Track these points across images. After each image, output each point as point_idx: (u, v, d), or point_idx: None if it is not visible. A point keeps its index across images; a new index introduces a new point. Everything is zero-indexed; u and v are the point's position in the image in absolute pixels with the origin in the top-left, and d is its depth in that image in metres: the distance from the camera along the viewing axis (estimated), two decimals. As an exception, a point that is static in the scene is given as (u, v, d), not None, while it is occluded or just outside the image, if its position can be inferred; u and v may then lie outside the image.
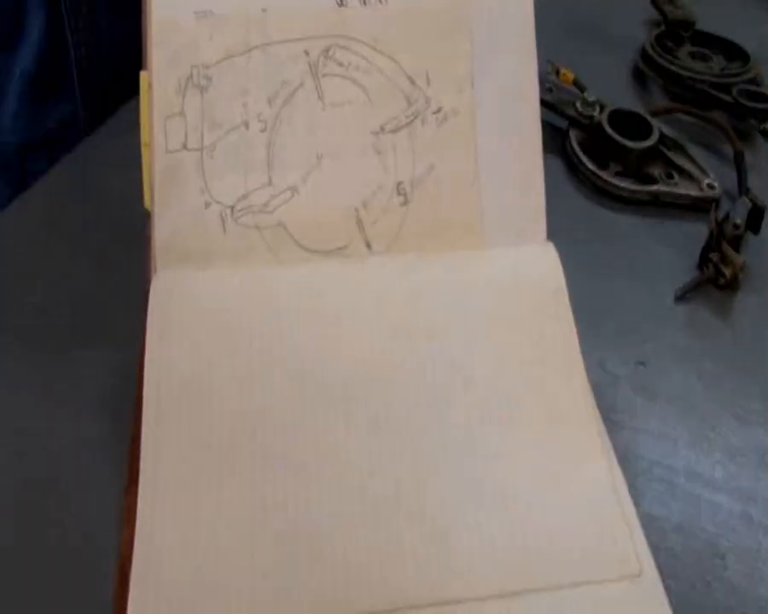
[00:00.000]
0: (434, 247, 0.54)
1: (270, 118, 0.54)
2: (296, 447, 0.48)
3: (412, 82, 0.54)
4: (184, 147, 0.53)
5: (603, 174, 0.70)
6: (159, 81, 0.53)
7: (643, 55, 0.84)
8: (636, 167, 0.71)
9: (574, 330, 0.51)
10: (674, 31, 0.88)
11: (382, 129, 0.54)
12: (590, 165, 0.70)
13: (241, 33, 0.54)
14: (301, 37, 0.55)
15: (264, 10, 0.54)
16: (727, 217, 0.61)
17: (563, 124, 0.75)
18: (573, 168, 0.72)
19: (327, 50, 0.54)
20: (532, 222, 0.55)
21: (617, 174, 0.71)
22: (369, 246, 0.54)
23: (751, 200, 0.63)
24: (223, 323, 0.51)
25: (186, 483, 0.46)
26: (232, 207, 0.54)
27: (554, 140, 0.74)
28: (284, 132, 0.54)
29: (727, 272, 0.61)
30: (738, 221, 0.61)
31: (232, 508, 0.45)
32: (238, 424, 0.48)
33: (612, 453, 0.48)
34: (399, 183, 0.54)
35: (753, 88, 0.78)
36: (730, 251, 0.61)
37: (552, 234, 0.56)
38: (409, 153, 0.54)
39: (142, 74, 0.54)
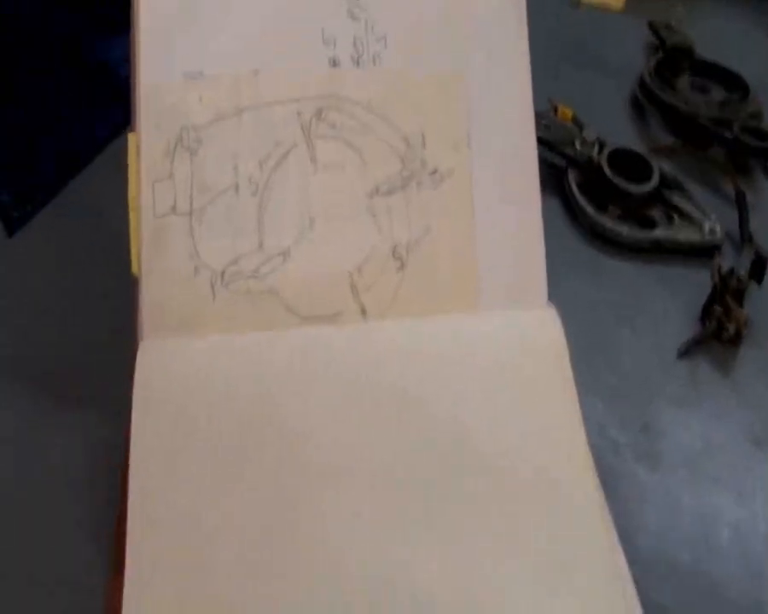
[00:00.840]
0: (431, 311, 0.53)
1: (261, 182, 0.52)
2: (281, 524, 0.47)
3: (407, 143, 0.53)
4: (173, 211, 0.52)
5: (603, 219, 0.68)
6: (147, 144, 0.52)
7: (642, 86, 0.83)
8: (636, 210, 0.70)
9: (577, 403, 0.50)
10: (672, 58, 0.86)
11: (377, 191, 0.53)
12: (590, 210, 0.69)
13: (231, 94, 0.53)
14: (293, 98, 0.53)
15: (255, 71, 0.52)
16: (731, 271, 0.60)
17: (562, 161, 0.72)
18: (571, 210, 0.71)
19: (320, 112, 0.52)
20: (531, 285, 0.54)
21: (617, 217, 0.69)
22: (364, 312, 0.53)
23: (755, 250, 0.61)
24: (210, 396, 0.50)
25: (173, 564, 0.45)
26: (222, 273, 0.52)
27: (551, 179, 0.73)
28: (276, 195, 0.53)
29: (730, 327, 0.60)
30: (742, 274, 0.60)
31: (218, 588, 0.44)
32: (224, 502, 0.47)
33: (615, 535, 0.46)
34: (395, 247, 0.53)
35: (754, 124, 0.76)
36: (733, 306, 0.60)
37: (550, 281, 0.55)
38: (404, 215, 0.53)
39: (130, 136, 0.52)
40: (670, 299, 0.64)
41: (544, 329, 0.52)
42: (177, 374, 0.50)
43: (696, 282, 0.65)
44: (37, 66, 0.68)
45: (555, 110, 0.74)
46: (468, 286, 0.53)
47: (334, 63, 0.53)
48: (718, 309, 0.60)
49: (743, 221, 0.67)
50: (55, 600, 0.47)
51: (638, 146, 0.77)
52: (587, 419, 0.52)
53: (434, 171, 0.53)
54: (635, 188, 0.69)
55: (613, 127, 0.78)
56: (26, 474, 0.52)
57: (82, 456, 0.53)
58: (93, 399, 0.55)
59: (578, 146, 0.72)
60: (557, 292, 0.55)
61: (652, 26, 0.92)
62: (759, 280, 0.63)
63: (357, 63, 0.53)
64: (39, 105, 0.70)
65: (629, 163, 0.71)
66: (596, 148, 0.72)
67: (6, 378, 0.57)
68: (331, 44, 0.53)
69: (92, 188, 0.68)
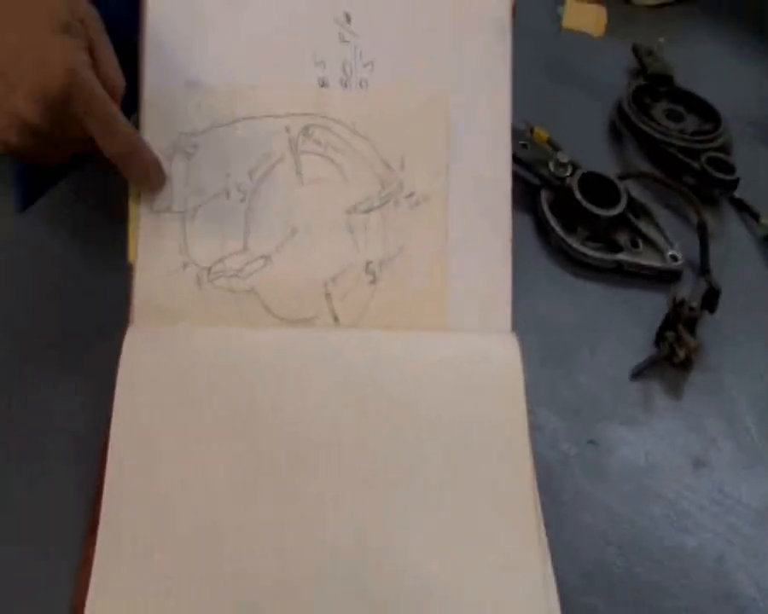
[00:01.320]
0: (400, 324, 0.57)
1: (249, 189, 0.56)
2: (249, 514, 0.51)
3: (387, 165, 0.56)
4: (168, 208, 0.56)
5: (571, 240, 0.72)
6: (149, 143, 0.56)
7: (620, 111, 0.87)
8: (603, 233, 0.73)
9: (526, 429, 0.54)
10: (652, 85, 0.89)
11: (355, 208, 0.57)
12: (559, 230, 0.72)
13: (228, 104, 0.57)
14: (284, 113, 0.57)
15: (251, 85, 0.55)
16: (683, 302, 0.64)
17: (536, 180, 0.76)
18: (542, 228, 0.74)
19: (307, 128, 0.56)
20: (497, 308, 0.58)
21: (585, 239, 0.73)
22: (336, 319, 0.56)
23: (707, 282, 0.66)
24: (190, 380, 0.54)
25: (143, 539, 0.49)
26: (208, 269, 0.56)
27: (525, 197, 0.76)
28: (262, 204, 0.56)
29: (681, 353, 0.64)
30: (694, 304, 0.64)
31: (184, 573, 0.48)
32: (195, 488, 0.51)
33: (548, 554, 0.50)
34: (369, 263, 0.56)
35: (721, 156, 0.80)
36: (685, 334, 0.64)
37: (516, 295, 0.58)
38: (380, 233, 0.57)
39: None
40: (629, 321, 0.68)
41: (504, 356, 0.56)
42: (161, 358, 0.54)
43: (655, 306, 0.69)
44: None
45: (532, 131, 0.77)
46: (436, 305, 0.57)
47: (323, 83, 0.56)
48: (671, 335, 0.64)
49: (703, 252, 0.71)
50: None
51: (612, 170, 0.80)
52: (540, 430, 0.58)
53: (411, 194, 0.57)
54: (602, 212, 0.72)
55: (590, 149, 0.82)
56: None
57: (70, 426, 0.57)
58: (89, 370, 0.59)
59: (551, 167, 0.76)
60: (522, 306, 0.59)
61: (635, 51, 0.95)
62: (712, 310, 0.67)
63: (345, 85, 0.57)
64: None
65: (599, 187, 0.75)
66: (569, 170, 0.75)
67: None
68: (321, 66, 0.57)
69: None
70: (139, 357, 0.53)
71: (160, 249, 0.56)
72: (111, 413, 0.51)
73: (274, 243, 0.56)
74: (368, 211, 0.56)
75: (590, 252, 0.72)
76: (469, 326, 0.58)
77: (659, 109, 0.88)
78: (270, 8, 0.56)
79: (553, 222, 0.73)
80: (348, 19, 0.56)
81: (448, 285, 0.57)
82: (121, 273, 0.57)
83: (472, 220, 0.57)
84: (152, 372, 0.54)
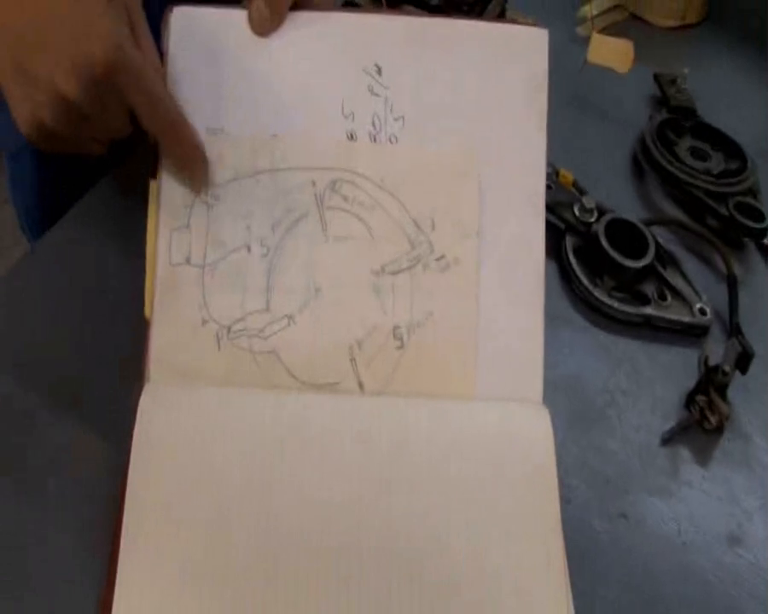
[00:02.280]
0: (427, 392, 0.54)
1: (272, 244, 0.54)
2: (269, 591, 0.48)
3: (417, 225, 0.53)
4: (187, 261, 0.53)
5: (597, 291, 0.69)
6: (167, 192, 0.53)
7: (643, 148, 0.84)
8: (630, 284, 0.70)
9: (557, 506, 0.51)
10: (675, 119, 0.86)
11: (383, 269, 0.54)
12: (584, 280, 0.70)
13: (250, 156, 0.54)
14: (309, 166, 0.54)
15: (274, 135, 0.53)
16: (717, 367, 0.61)
17: (560, 223, 0.73)
18: (566, 274, 0.72)
19: (333, 183, 0.53)
20: (528, 378, 0.55)
21: (611, 289, 0.70)
22: (361, 385, 0.54)
23: (740, 344, 0.63)
24: (207, 445, 0.51)
25: (159, 603, 0.47)
26: (228, 328, 0.54)
27: (549, 240, 0.72)
28: (285, 260, 0.54)
29: (713, 419, 0.61)
30: (727, 369, 0.61)
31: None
32: (212, 561, 0.48)
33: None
34: (396, 327, 0.53)
35: (749, 201, 0.77)
36: (717, 399, 0.61)
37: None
38: (408, 296, 0.54)
39: (152, 183, 0.53)
40: (658, 381, 0.66)
41: (535, 431, 0.53)
42: (177, 420, 0.52)
43: (684, 362, 0.67)
44: None
45: (557, 173, 0.74)
46: (465, 374, 0.54)
47: (352, 136, 0.53)
48: (702, 399, 0.62)
49: (733, 308, 0.68)
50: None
51: (636, 210, 0.78)
52: (570, 502, 0.55)
53: (441, 257, 0.54)
54: (630, 263, 0.70)
55: (613, 188, 0.80)
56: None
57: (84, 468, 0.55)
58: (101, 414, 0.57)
59: (576, 211, 0.73)
60: (547, 362, 0.56)
61: (657, 80, 0.92)
62: (744, 371, 0.64)
63: (374, 139, 0.54)
64: None
65: (626, 233, 0.72)
66: (595, 215, 0.72)
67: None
68: (350, 118, 0.54)
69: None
70: (156, 418, 0.51)
71: (177, 304, 0.53)
72: (126, 468, 0.50)
73: (297, 303, 0.54)
74: (396, 272, 0.53)
75: (618, 306, 0.69)
76: (499, 395, 0.55)
77: (683, 147, 0.84)
78: (299, 56, 0.53)
79: (578, 270, 0.70)
80: (379, 71, 0.53)
81: (478, 352, 0.53)
82: (138, 320, 0.54)
83: (504, 285, 0.55)
84: (169, 433, 0.51)
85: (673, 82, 0.92)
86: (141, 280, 0.54)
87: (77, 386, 0.57)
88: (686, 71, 0.89)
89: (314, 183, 0.54)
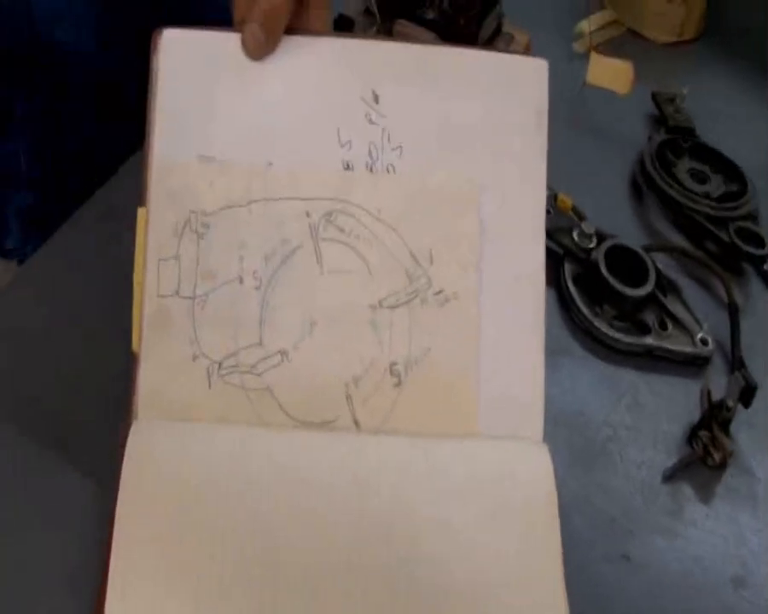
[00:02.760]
0: (426, 432, 0.53)
1: (265, 277, 0.52)
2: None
3: (414, 259, 0.52)
4: (176, 293, 0.51)
5: (597, 321, 0.68)
6: (156, 220, 0.51)
7: (642, 170, 0.82)
8: (631, 313, 0.68)
9: (559, 548, 0.50)
10: (674, 140, 0.84)
11: (380, 303, 0.52)
12: (584, 309, 0.68)
13: (243, 184, 0.52)
14: (304, 196, 0.52)
15: (269, 163, 0.51)
16: (720, 403, 0.59)
17: (559, 249, 0.71)
18: (565, 304, 0.70)
19: (329, 214, 0.51)
20: (529, 415, 0.53)
21: (611, 318, 0.69)
22: (357, 423, 0.52)
23: (743, 378, 0.61)
24: (197, 485, 0.50)
25: None
26: (220, 363, 0.52)
27: (547, 267, 0.70)
28: (279, 293, 0.52)
29: (716, 455, 0.60)
30: (730, 404, 0.60)
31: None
32: (203, 602, 0.47)
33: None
34: (393, 364, 0.52)
35: (749, 226, 0.75)
36: (720, 435, 0.60)
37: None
38: (406, 332, 0.52)
39: (140, 210, 0.51)
40: (660, 413, 0.64)
41: (536, 471, 0.52)
42: (166, 460, 0.50)
43: (686, 393, 0.66)
44: None
45: (555, 197, 0.72)
46: (465, 411, 0.53)
47: (348, 166, 0.52)
48: (705, 435, 0.60)
49: (735, 342, 0.67)
50: None
51: (635, 234, 0.77)
52: (572, 542, 0.52)
53: (440, 291, 0.52)
54: (631, 292, 0.68)
55: (612, 212, 0.79)
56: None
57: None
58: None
59: (576, 237, 0.71)
60: (548, 393, 0.55)
61: (655, 99, 0.90)
62: (747, 405, 0.62)
63: (371, 169, 0.52)
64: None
65: (626, 260, 0.70)
66: (594, 241, 0.71)
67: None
68: (346, 146, 0.52)
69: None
70: (144, 458, 0.49)
71: (166, 338, 0.51)
72: (113, 511, 0.48)
73: (292, 338, 0.52)
74: (394, 307, 0.52)
75: (619, 336, 0.67)
76: (499, 433, 0.53)
77: (682, 169, 0.83)
78: (294, 82, 0.52)
79: (578, 299, 0.68)
80: (376, 99, 0.52)
81: (478, 388, 0.52)
82: (124, 354, 0.52)
83: (504, 320, 0.53)
84: (158, 474, 0.49)
85: (671, 101, 0.90)
86: (127, 312, 0.52)
87: (60, 425, 0.55)
88: (685, 91, 0.87)
89: (309, 214, 0.52)
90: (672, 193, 0.79)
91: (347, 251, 0.52)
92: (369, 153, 0.52)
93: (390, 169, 0.52)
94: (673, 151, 0.85)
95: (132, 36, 0.55)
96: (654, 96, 0.92)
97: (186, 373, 0.51)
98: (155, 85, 0.51)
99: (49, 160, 0.74)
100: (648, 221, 0.80)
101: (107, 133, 0.72)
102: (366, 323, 0.52)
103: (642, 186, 0.82)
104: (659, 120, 0.90)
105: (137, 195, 0.52)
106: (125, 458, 0.48)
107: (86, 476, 0.53)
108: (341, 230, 0.52)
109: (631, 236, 0.75)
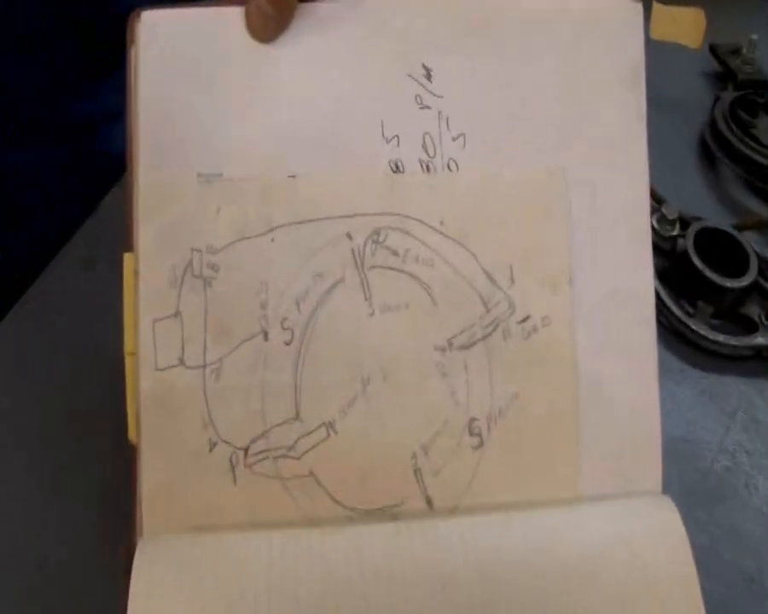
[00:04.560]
0: (518, 503, 0.41)
1: (298, 326, 0.40)
2: None
3: (491, 279, 0.39)
4: (181, 362, 0.39)
5: (693, 323, 0.55)
6: (147, 268, 0.39)
7: (715, 135, 0.69)
8: (731, 308, 0.56)
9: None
10: (746, 96, 0.72)
11: (450, 344, 0.40)
12: (675, 310, 0.55)
13: (260, 206, 0.40)
14: (342, 214, 0.40)
15: (292, 176, 0.38)
16: None
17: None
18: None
19: (377, 234, 0.39)
20: (645, 465, 0.42)
21: (709, 317, 0.58)
22: (429, 503, 0.41)
23: None
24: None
25: None
26: (246, 449, 0.40)
27: None
28: (318, 346, 0.40)
29: None
30: None
31: None
32: None
33: None
34: (472, 420, 0.40)
35: None
36: None
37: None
38: (485, 377, 0.41)
39: (126, 257, 0.39)
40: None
41: (667, 539, 0.40)
42: (185, 587, 0.37)
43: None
44: None
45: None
46: (565, 470, 0.41)
47: (397, 168, 0.40)
48: None
49: None
50: None
51: (717, 213, 0.66)
52: None
53: (526, 319, 0.40)
54: (731, 283, 0.55)
55: (682, 186, 0.67)
56: None
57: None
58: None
59: (655, 224, 0.58)
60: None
61: (715, 52, 0.77)
62: None
63: (427, 169, 0.39)
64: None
65: (717, 245, 0.58)
66: (677, 228, 0.58)
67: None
68: (393, 142, 0.40)
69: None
70: (155, 591, 0.37)
71: (172, 424, 0.39)
72: None
73: (338, 403, 0.40)
74: (468, 346, 0.40)
75: (722, 339, 0.54)
76: (607, 490, 0.42)
77: (761, 127, 0.71)
78: (317, 66, 0.39)
79: (667, 298, 0.55)
80: (429, 74, 0.39)
81: (580, 440, 0.39)
82: (119, 450, 0.40)
83: (608, 350, 0.42)
84: (174, 609, 0.37)
85: (735, 52, 0.78)
86: (119, 392, 0.38)
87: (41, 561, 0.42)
88: (754, 37, 0.74)
89: (350, 236, 0.40)
90: (756, 156, 0.66)
91: (404, 280, 0.40)
92: (424, 147, 0.39)
93: (452, 165, 0.39)
94: (747, 109, 0.73)
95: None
96: (712, 50, 0.80)
97: (202, 468, 0.39)
98: (135, 87, 0.39)
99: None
100: (728, 194, 0.69)
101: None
102: (434, 371, 0.40)
103: (715, 154, 0.71)
104: (723, 76, 0.79)
105: (123, 238, 0.38)
106: (131, 590, 0.36)
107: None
108: (394, 253, 0.40)
109: (712, 215, 0.64)
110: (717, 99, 0.74)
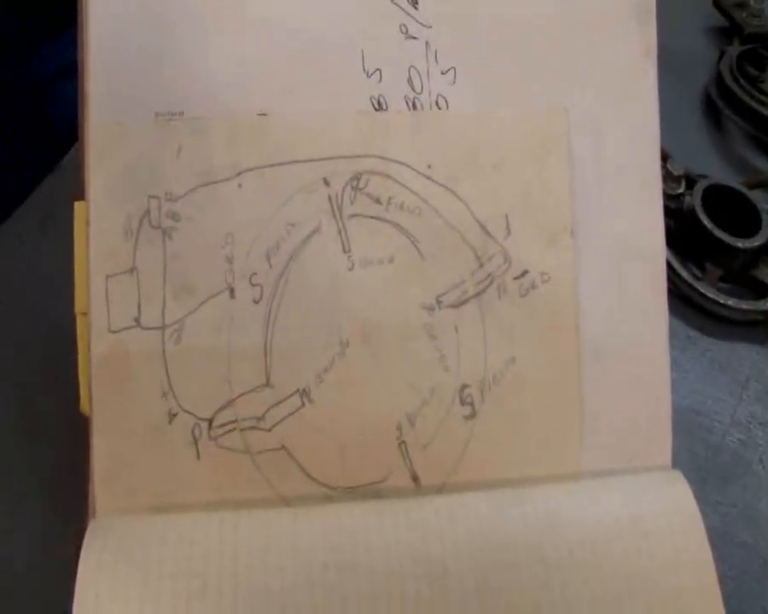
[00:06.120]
0: (513, 480, 0.37)
1: (268, 282, 0.36)
2: None
3: (484, 229, 0.35)
4: (137, 323, 0.35)
5: (701, 286, 0.50)
6: (99, 218, 0.35)
7: (721, 90, 0.65)
8: (741, 271, 0.52)
9: None
10: (753, 50, 0.68)
11: (439, 302, 0.36)
12: (683, 272, 0.51)
13: (226, 148, 0.35)
14: (318, 157, 0.36)
15: (261, 114, 0.34)
16: None
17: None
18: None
19: (356, 178, 0.35)
20: (652, 438, 0.38)
21: (718, 280, 0.54)
22: (416, 479, 0.37)
23: None
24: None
25: None
26: (210, 421, 0.35)
27: None
28: (290, 304, 0.36)
29: None
30: None
31: None
32: None
33: None
34: (464, 387, 0.36)
35: None
36: None
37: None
38: (478, 339, 0.37)
39: (78, 205, 0.35)
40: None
41: (679, 517, 0.36)
42: (138, 578, 0.33)
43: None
44: None
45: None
46: (566, 442, 0.37)
47: (380, 105, 0.35)
48: None
49: None
50: None
51: (724, 169, 0.63)
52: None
53: (523, 274, 0.35)
54: (742, 243, 0.51)
55: (686, 142, 0.63)
56: None
57: None
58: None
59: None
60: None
61: (719, 5, 0.74)
62: None
63: (414, 106, 0.35)
64: None
65: (726, 204, 0.55)
66: (683, 186, 0.54)
67: None
68: (375, 77, 0.35)
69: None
70: (103, 577, 0.33)
71: (128, 392, 0.35)
72: None
73: (313, 369, 0.35)
74: (458, 304, 0.35)
75: (732, 303, 0.50)
76: (612, 465, 0.38)
77: (768, 80, 0.65)
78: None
79: (673, 260, 0.51)
80: (415, 1, 0.34)
81: (582, 409, 0.35)
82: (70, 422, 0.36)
83: (614, 309, 0.38)
84: (125, 597, 0.33)
85: (741, 6, 0.75)
86: (69, 358, 0.34)
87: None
88: (756, -16, 0.70)
89: (327, 181, 0.35)
90: (765, 111, 0.63)
91: (387, 231, 0.35)
92: (410, 81, 0.35)
93: (441, 102, 0.35)
94: (755, 63, 0.70)
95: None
96: (716, 3, 0.77)
97: (161, 441, 0.35)
98: (86, 16, 0.35)
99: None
100: (734, 152, 0.65)
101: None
102: (420, 333, 0.36)
103: (722, 110, 0.67)
104: (727, 32, 0.75)
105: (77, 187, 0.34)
106: (79, 575, 0.32)
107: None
108: (376, 200, 0.35)
109: (718, 174, 0.60)
110: (722, 53, 0.70)
